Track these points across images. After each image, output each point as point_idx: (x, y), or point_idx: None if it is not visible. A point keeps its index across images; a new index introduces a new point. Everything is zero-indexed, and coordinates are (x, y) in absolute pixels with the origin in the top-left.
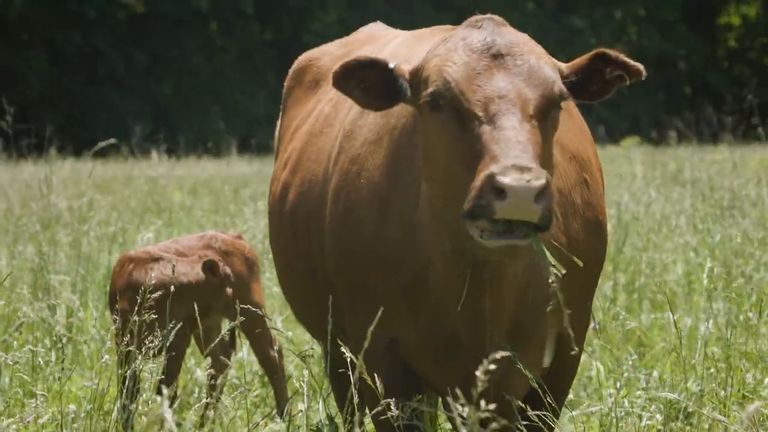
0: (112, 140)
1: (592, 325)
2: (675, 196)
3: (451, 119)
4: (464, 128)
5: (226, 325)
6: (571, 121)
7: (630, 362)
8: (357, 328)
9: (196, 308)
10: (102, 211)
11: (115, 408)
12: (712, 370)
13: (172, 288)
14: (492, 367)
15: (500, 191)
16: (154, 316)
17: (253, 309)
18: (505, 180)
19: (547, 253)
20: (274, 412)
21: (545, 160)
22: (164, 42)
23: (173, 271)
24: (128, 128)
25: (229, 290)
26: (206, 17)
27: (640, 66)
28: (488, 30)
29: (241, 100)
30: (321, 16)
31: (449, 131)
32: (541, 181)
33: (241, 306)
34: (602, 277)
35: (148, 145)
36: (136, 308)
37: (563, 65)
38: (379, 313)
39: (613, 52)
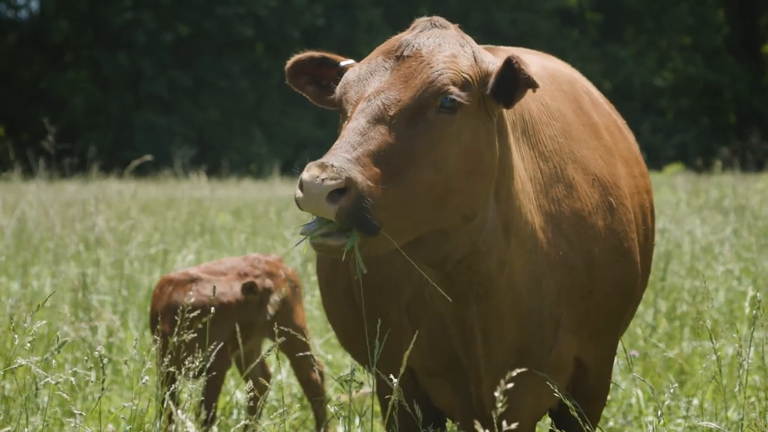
0: (148, 157)
1: (631, 353)
2: (718, 223)
3: (342, 119)
4: (341, 128)
5: (266, 347)
6: (597, 142)
7: (671, 390)
8: (381, 357)
9: (238, 328)
10: (144, 232)
11: (154, 429)
12: (753, 399)
13: (213, 309)
14: (509, 386)
15: (302, 186)
16: (193, 336)
17: (295, 332)
18: (303, 175)
19: (359, 257)
20: None
21: (401, 162)
22: (209, 65)
23: (213, 292)
24: (172, 150)
25: (270, 307)
26: (252, 41)
27: (530, 78)
28: (415, 32)
29: (285, 123)
30: (369, 42)
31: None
32: (334, 182)
33: (282, 328)
34: (643, 305)
35: (191, 167)
36: (176, 329)
37: (494, 71)
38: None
39: (515, 59)
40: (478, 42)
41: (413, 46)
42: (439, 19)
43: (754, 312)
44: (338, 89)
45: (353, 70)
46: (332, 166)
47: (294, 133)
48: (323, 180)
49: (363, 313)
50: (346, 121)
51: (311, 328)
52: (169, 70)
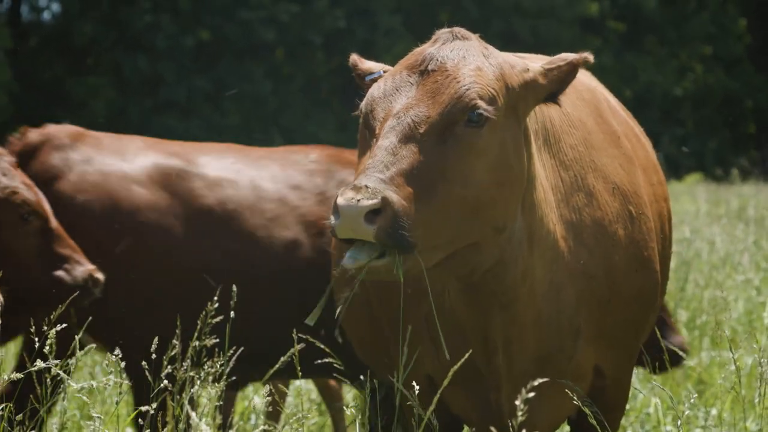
0: None
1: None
2: (738, 233)
3: (368, 136)
4: (370, 145)
5: None
6: (617, 150)
7: (690, 400)
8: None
9: None
10: None
11: None
12: None
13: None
14: (531, 395)
15: (337, 211)
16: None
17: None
18: (338, 200)
19: (400, 273)
20: None
21: (433, 179)
22: (230, 69)
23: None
24: None
25: None
26: (273, 45)
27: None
28: (437, 44)
29: (307, 128)
30: (389, 47)
31: (366, 148)
32: (371, 202)
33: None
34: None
35: None
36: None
37: (539, 73)
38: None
39: (581, 59)
40: (499, 50)
41: (437, 60)
42: (460, 30)
43: None
44: (364, 105)
45: (378, 85)
46: (366, 187)
47: (315, 138)
48: (359, 201)
49: (382, 323)
50: (375, 139)
51: None
52: (190, 74)
